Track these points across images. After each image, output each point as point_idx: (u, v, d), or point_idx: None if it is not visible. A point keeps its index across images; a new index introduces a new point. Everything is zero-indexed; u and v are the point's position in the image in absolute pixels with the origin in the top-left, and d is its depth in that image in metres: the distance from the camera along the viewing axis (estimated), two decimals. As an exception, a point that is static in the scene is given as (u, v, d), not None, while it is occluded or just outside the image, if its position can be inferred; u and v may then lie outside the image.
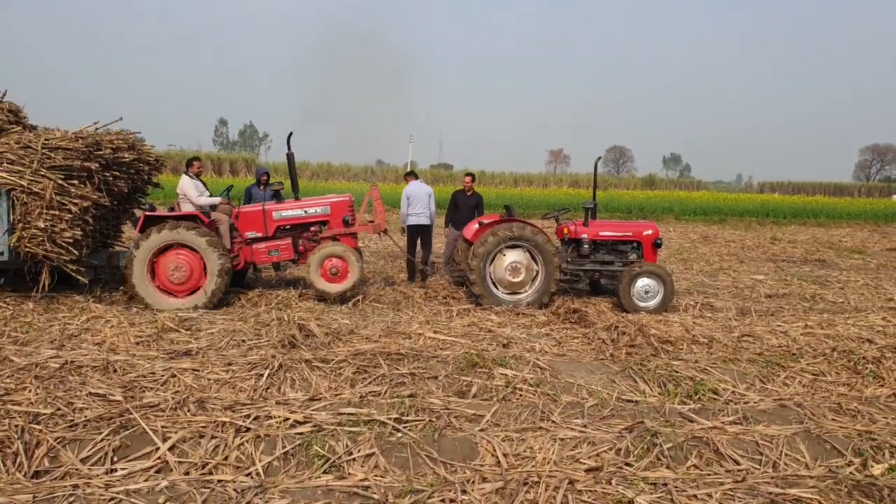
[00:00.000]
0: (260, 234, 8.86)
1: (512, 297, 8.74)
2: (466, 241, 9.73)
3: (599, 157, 10.60)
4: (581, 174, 57.77)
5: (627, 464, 4.29)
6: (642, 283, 8.88)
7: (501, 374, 5.71)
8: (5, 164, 7.62)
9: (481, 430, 4.66)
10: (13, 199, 7.59)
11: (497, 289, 8.75)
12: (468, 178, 10.95)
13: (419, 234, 10.62)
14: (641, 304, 8.83)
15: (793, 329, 7.72)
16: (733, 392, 5.69)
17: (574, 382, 5.73)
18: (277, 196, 9.21)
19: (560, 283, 8.93)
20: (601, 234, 9.45)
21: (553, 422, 4.87)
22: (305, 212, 9.00)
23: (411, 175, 11.18)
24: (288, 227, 9.01)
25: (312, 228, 9.08)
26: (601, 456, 4.37)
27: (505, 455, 4.33)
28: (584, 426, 4.82)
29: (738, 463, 4.33)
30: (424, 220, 10.47)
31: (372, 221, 9.36)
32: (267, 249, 8.82)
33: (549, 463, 4.26)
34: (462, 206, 10.76)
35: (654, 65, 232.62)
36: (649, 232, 9.60)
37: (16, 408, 4.40)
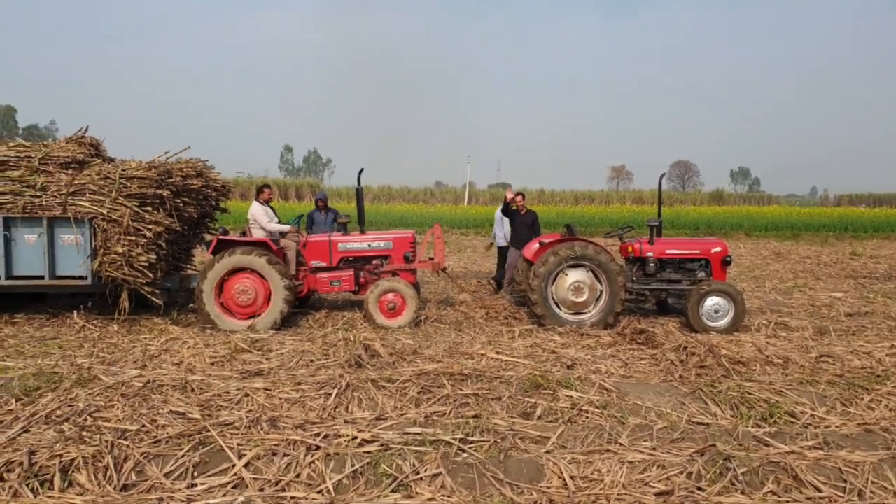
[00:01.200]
0: (324, 264, 9.15)
1: (575, 318, 8.66)
2: (527, 261, 9.72)
3: (664, 174, 10.46)
4: (645, 190, 56.63)
5: (699, 488, 4.19)
6: (711, 301, 8.66)
7: (566, 395, 5.66)
8: (88, 195, 8.15)
9: (547, 451, 4.64)
10: (95, 227, 8.09)
11: (559, 309, 8.68)
12: (519, 198, 10.88)
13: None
14: (711, 324, 8.61)
15: (877, 350, 7.37)
16: (812, 415, 5.46)
17: (642, 405, 5.62)
18: (343, 228, 9.48)
19: (625, 302, 8.80)
20: (667, 251, 9.28)
21: (621, 444, 4.80)
22: (369, 245, 9.26)
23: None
24: (351, 258, 9.27)
25: (374, 262, 9.31)
26: (671, 480, 4.28)
27: (572, 477, 4.30)
28: (653, 449, 4.73)
29: (819, 490, 4.17)
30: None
31: (432, 259, 9.51)
32: (329, 279, 9.10)
33: (617, 486, 4.21)
34: (518, 224, 10.78)
35: (717, 77, 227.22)
36: (718, 249, 9.36)
37: (105, 424, 4.68)
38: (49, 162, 8.33)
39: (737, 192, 71.95)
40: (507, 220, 10.55)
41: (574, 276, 8.62)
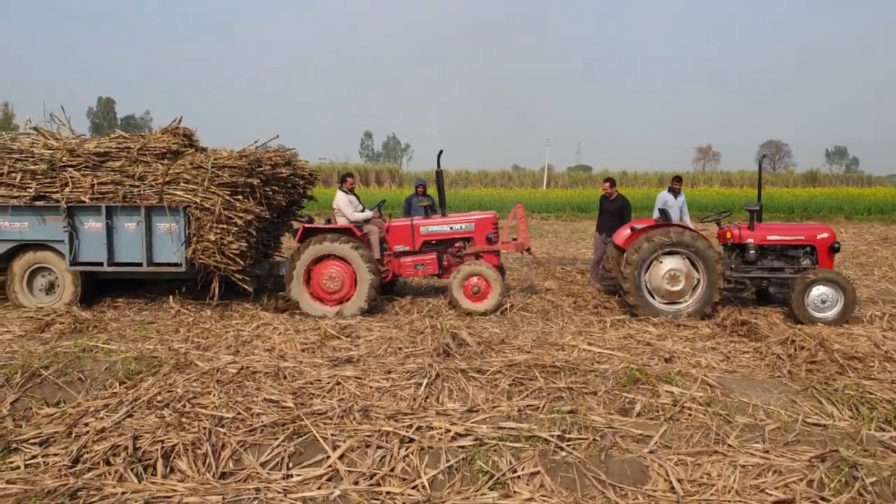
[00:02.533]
0: (408, 248, 9.11)
1: (670, 308, 8.25)
2: (617, 248, 9.34)
3: (764, 155, 9.94)
4: (733, 172, 54.12)
5: (823, 498, 3.84)
6: (818, 291, 8.08)
7: (667, 391, 5.36)
8: (182, 184, 8.37)
9: (651, 451, 4.38)
10: (189, 215, 8.30)
11: (653, 298, 8.29)
12: (606, 185, 10.75)
13: None
14: (818, 315, 8.04)
15: None
16: (945, 418, 4.96)
17: (749, 402, 5.26)
18: (426, 211, 9.39)
19: (723, 291, 8.32)
20: (769, 238, 8.70)
21: (730, 446, 4.49)
22: (451, 228, 9.16)
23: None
24: (434, 242, 9.19)
25: (457, 244, 9.21)
26: (790, 487, 3.95)
27: (680, 481, 4.03)
28: (766, 452, 4.40)
29: (962, 504, 3.74)
30: None
31: (515, 239, 9.30)
32: (413, 263, 9.05)
33: (730, 492, 3.92)
34: (605, 211, 10.58)
35: (810, 51, 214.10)
36: (824, 235, 8.72)
37: (203, 411, 4.75)
38: (146, 153, 8.59)
39: (833, 173, 67.62)
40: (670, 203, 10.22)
41: (669, 263, 8.20)
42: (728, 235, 8.79)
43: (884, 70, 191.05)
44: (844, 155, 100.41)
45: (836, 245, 8.69)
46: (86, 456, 4.19)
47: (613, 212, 10.44)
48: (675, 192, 10.46)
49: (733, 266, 8.72)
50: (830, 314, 8.05)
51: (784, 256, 8.78)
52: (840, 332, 7.33)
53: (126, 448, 4.18)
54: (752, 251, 8.64)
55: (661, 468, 4.16)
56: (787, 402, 5.31)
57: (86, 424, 4.64)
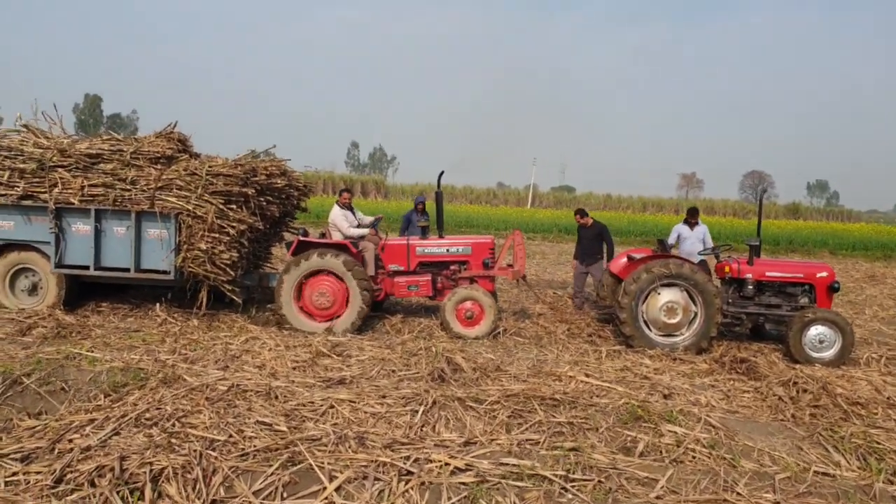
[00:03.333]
0: (402, 268, 8.93)
1: (666, 340, 8.14)
2: (613, 276, 9.25)
3: (764, 189, 10.04)
4: (716, 200, 54.59)
5: (838, 557, 3.71)
6: (816, 331, 8.01)
7: (670, 430, 5.24)
8: (175, 190, 8.16)
9: (658, 497, 4.24)
10: (180, 223, 8.09)
11: (650, 329, 8.19)
12: (577, 216, 10.85)
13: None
14: (815, 355, 7.96)
15: None
16: (956, 473, 4.86)
17: (754, 446, 5.14)
18: (423, 232, 9.25)
19: (720, 326, 8.24)
20: (768, 273, 8.64)
21: (739, 494, 4.35)
22: (448, 250, 8.99)
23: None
24: (429, 263, 9.02)
25: (452, 267, 9.03)
26: (804, 544, 3.82)
27: (689, 531, 3.90)
28: (777, 503, 4.26)
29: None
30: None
31: (511, 266, 9.13)
32: (407, 284, 8.87)
33: (741, 546, 3.78)
34: (583, 237, 10.66)
35: (793, 84, 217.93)
36: (824, 274, 8.66)
37: (193, 431, 4.54)
38: (140, 156, 8.37)
39: (814, 206, 68.50)
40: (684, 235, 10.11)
41: (668, 295, 8.11)
42: (726, 269, 8.72)
43: (864, 104, 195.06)
44: (825, 188, 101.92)
45: (836, 285, 8.65)
46: (69, 476, 3.96)
47: (592, 238, 10.53)
48: (690, 225, 10.28)
49: (730, 300, 8.65)
50: (828, 355, 7.96)
51: (782, 293, 8.71)
52: (840, 375, 7.21)
53: (112, 469, 3.95)
54: (751, 286, 8.57)
55: (669, 515, 4.02)
56: (793, 449, 5.18)
57: (70, 441, 4.42)
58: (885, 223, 48.36)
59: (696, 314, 8.17)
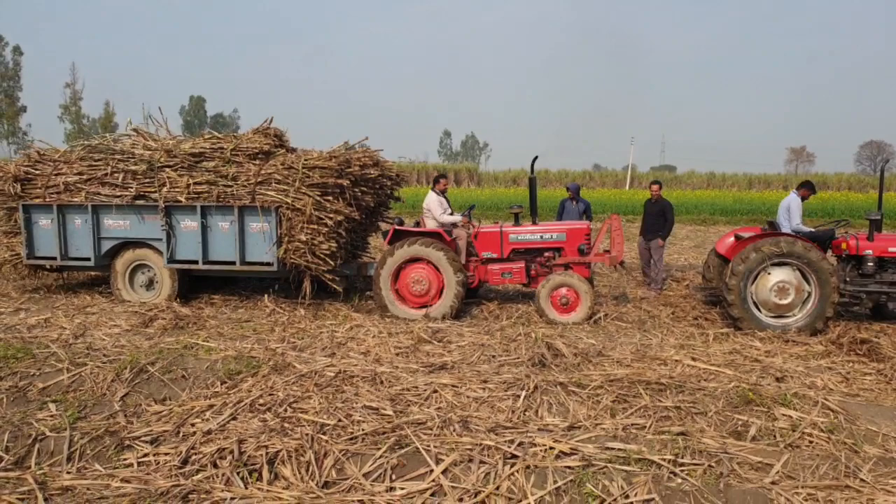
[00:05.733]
0: (496, 255, 8.91)
1: (778, 322, 7.74)
2: (720, 257, 8.88)
3: (887, 160, 9.22)
4: (829, 174, 51.02)
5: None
6: (945, 309, 7.40)
7: (783, 414, 4.99)
8: (273, 184, 8.48)
9: (773, 482, 4.06)
10: (280, 216, 8.41)
11: (759, 311, 7.81)
12: (655, 186, 10.69)
13: None
14: (943, 335, 7.36)
15: None
16: None
17: (878, 431, 4.83)
18: (516, 219, 9.20)
19: (837, 305, 7.74)
20: (890, 249, 8.03)
21: (863, 481, 4.12)
22: (541, 237, 8.87)
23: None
24: (522, 250, 8.94)
25: (546, 254, 8.91)
26: (939, 533, 3.56)
27: (811, 518, 3.72)
28: (905, 490, 4.00)
29: None
30: None
31: (608, 251, 8.89)
32: (501, 271, 8.84)
33: (869, 535, 3.56)
34: (648, 213, 10.58)
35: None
36: (954, 247, 7.97)
37: (304, 416, 4.75)
38: (239, 153, 8.76)
39: (943, 176, 62.77)
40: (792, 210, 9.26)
41: (779, 275, 7.69)
42: (844, 246, 8.18)
43: None
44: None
45: (966, 259, 7.95)
46: (194, 457, 4.25)
47: (654, 214, 10.41)
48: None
49: (848, 279, 8.11)
50: (958, 334, 7.36)
51: (906, 270, 8.10)
52: (973, 356, 6.70)
53: (232, 452, 4.21)
54: (871, 263, 8.01)
55: (788, 503, 3.84)
56: (922, 434, 4.85)
57: (192, 424, 4.73)
58: None
59: (809, 294, 7.72)
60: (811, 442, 4.65)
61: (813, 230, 8.52)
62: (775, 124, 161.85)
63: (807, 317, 7.69)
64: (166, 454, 4.32)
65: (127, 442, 4.53)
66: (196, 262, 8.86)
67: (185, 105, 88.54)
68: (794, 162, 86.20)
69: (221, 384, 5.53)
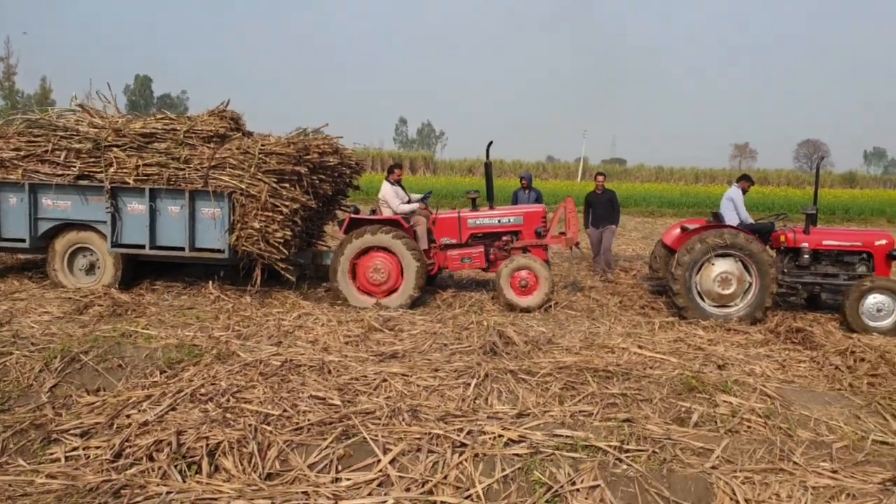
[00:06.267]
0: (454, 241, 8.89)
1: (720, 311, 7.97)
2: (666, 248, 9.07)
3: (822, 156, 9.54)
4: (770, 170, 52.91)
5: (903, 528, 3.59)
6: (874, 300, 7.76)
7: (724, 401, 5.14)
8: (228, 169, 8.22)
9: (713, 467, 4.17)
10: (233, 202, 8.17)
11: (703, 301, 8.01)
12: (601, 178, 11.37)
13: None
14: (872, 324, 7.73)
15: None
16: None
17: (810, 416, 5.03)
18: (473, 204, 9.20)
19: (775, 296, 8.01)
20: (825, 242, 8.36)
21: (795, 463, 4.27)
22: (499, 221, 8.91)
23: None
24: (481, 235, 8.96)
25: (504, 238, 8.97)
26: (867, 514, 3.71)
27: (747, 501, 3.83)
28: (835, 472, 4.19)
29: None
30: None
31: (564, 234, 9.01)
32: (460, 257, 8.83)
33: (803, 517, 3.69)
34: (596, 204, 11.11)
35: (853, 48, 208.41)
36: (883, 242, 8.36)
37: (248, 406, 4.62)
38: (193, 135, 8.46)
39: (871, 175, 65.86)
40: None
41: (722, 265, 7.91)
42: (782, 238, 8.46)
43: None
44: (883, 157, 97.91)
45: (895, 252, 8.33)
46: (128, 450, 4.09)
47: (605, 203, 11.01)
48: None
49: (786, 270, 8.41)
50: (886, 323, 7.74)
51: (839, 262, 8.45)
52: (897, 344, 7.03)
53: (170, 444, 4.07)
54: (807, 255, 8.31)
55: (727, 486, 3.95)
56: (851, 418, 5.07)
57: (128, 416, 4.55)
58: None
59: (750, 284, 7.97)
60: (749, 427, 4.79)
61: (754, 223, 8.78)
62: (721, 121, 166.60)
63: (747, 306, 7.94)
64: (97, 448, 4.14)
65: (54, 435, 4.32)
66: (143, 247, 8.53)
67: (129, 84, 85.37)
68: (737, 158, 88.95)
69: (161, 373, 5.33)
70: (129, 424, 4.40)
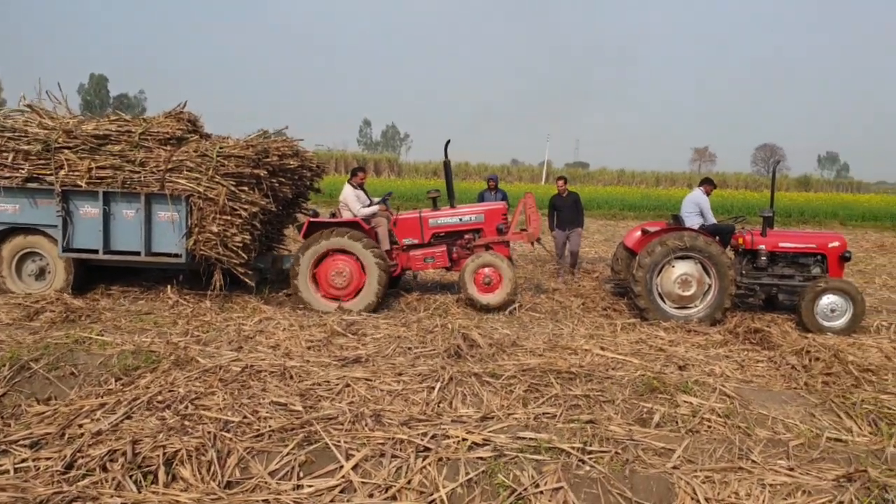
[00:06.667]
0: (416, 241, 8.85)
1: (681, 312, 8.08)
2: (628, 250, 9.17)
3: (778, 161, 9.86)
4: (728, 173, 54.12)
5: (857, 522, 3.68)
6: (828, 300, 7.96)
7: (685, 401, 5.23)
8: (185, 172, 8.02)
9: (674, 467, 4.23)
10: (191, 205, 7.99)
11: (664, 302, 8.13)
12: (561, 182, 11.39)
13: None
14: (826, 324, 7.93)
15: None
16: (963, 436, 4.84)
17: (768, 415, 5.16)
18: (434, 203, 9.16)
19: (734, 297, 8.17)
20: (781, 245, 8.56)
21: (754, 462, 4.36)
22: (460, 220, 8.89)
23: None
24: (443, 234, 8.94)
25: (466, 236, 8.95)
26: (822, 510, 3.79)
27: (707, 500, 3.88)
28: (792, 469, 4.28)
29: None
30: None
31: (525, 230, 9.04)
32: (423, 256, 8.79)
33: (761, 514, 3.75)
34: (562, 207, 11.14)
35: (806, 57, 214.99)
36: (836, 244, 8.59)
37: (207, 413, 4.52)
38: (149, 137, 8.24)
39: (824, 178, 67.92)
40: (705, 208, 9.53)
41: (682, 268, 8.03)
42: (740, 241, 8.64)
43: (876, 77, 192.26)
44: (836, 161, 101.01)
45: (847, 254, 8.58)
46: (80, 461, 3.95)
47: (570, 206, 11.07)
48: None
49: (744, 272, 8.58)
50: (839, 323, 7.94)
51: (795, 264, 8.65)
52: (851, 343, 7.24)
53: (125, 453, 3.94)
54: (764, 257, 8.49)
55: (688, 486, 4.00)
56: (806, 416, 5.20)
57: (80, 426, 4.41)
58: (893, 194, 48.06)
59: (710, 286, 8.11)
60: (709, 427, 4.87)
61: (717, 224, 8.95)
62: (681, 125, 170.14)
63: (707, 308, 8.07)
64: (48, 459, 3.98)
65: (3, 447, 4.15)
66: (96, 252, 8.26)
67: (84, 83, 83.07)
68: (697, 161, 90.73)
69: (116, 381, 5.19)
70: (82, 434, 4.26)
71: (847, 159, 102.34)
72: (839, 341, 7.12)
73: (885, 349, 7.06)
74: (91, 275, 8.91)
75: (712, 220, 8.89)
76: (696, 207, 8.89)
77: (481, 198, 11.10)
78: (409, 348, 6.31)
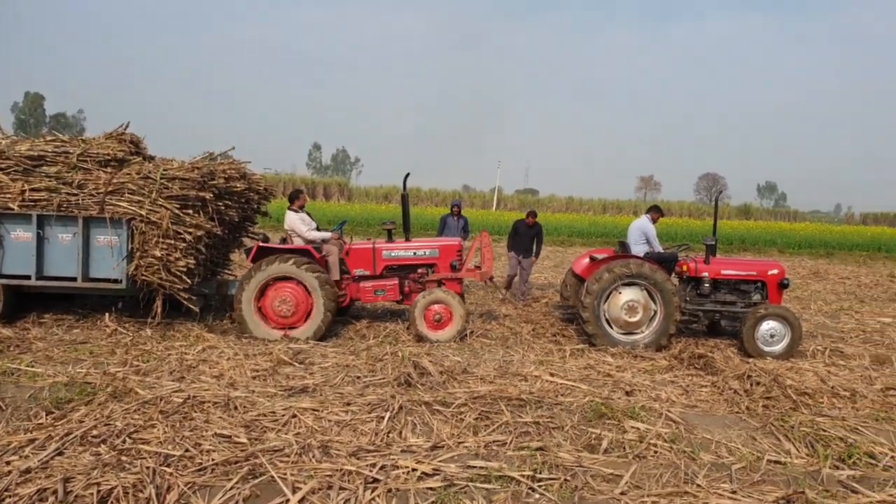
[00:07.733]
0: (368, 273, 8.75)
1: (627, 338, 8.22)
2: (576, 277, 9.31)
3: (720, 191, 10.20)
4: (673, 201, 55.79)
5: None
6: (768, 326, 8.22)
7: (632, 426, 5.29)
8: (127, 195, 7.78)
9: (622, 493, 4.25)
10: (132, 229, 7.74)
11: (611, 328, 8.26)
12: (530, 218, 11.68)
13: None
14: (766, 349, 8.18)
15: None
16: (893, 457, 5.03)
17: (712, 439, 5.25)
18: (388, 235, 9.12)
19: (678, 323, 8.37)
20: (723, 272, 8.83)
21: (699, 486, 4.42)
22: (414, 253, 8.84)
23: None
24: (396, 266, 8.86)
25: (419, 271, 8.89)
26: (764, 532, 3.86)
27: (655, 526, 3.90)
28: (734, 493, 4.35)
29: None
30: None
31: (479, 267, 9.05)
32: (374, 289, 8.70)
33: (706, 538, 3.79)
34: (524, 234, 11.51)
35: (745, 89, 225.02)
36: (775, 271, 8.91)
37: (145, 447, 4.33)
38: (87, 159, 7.99)
39: (763, 207, 70.70)
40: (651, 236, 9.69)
41: (628, 294, 8.19)
42: (684, 268, 8.87)
43: (811, 109, 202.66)
44: (774, 190, 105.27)
45: (786, 281, 8.90)
46: (7, 501, 3.72)
47: (531, 236, 11.48)
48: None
49: (688, 298, 8.80)
50: (778, 348, 8.19)
51: (736, 290, 8.92)
52: (789, 367, 7.45)
53: (55, 492, 3.74)
54: (707, 284, 8.74)
55: (636, 512, 4.02)
56: (748, 439, 5.31)
57: (7, 462, 4.15)
58: (826, 223, 50.41)
59: (655, 312, 8.27)
60: (656, 452, 4.93)
61: (662, 252, 9.17)
62: (627, 154, 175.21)
63: (653, 333, 8.23)
64: (-28, 499, 3.76)
65: (-78, 487, 3.90)
66: (28, 278, 7.90)
67: (18, 102, 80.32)
68: (643, 189, 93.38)
69: (47, 415, 4.93)
70: (10, 472, 4.01)
71: (784, 189, 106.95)
72: (778, 366, 7.34)
73: (821, 373, 7.30)
74: (22, 302, 8.49)
75: (658, 247, 9.11)
76: (642, 235, 9.10)
77: (443, 223, 11.30)
78: (358, 377, 6.22)
